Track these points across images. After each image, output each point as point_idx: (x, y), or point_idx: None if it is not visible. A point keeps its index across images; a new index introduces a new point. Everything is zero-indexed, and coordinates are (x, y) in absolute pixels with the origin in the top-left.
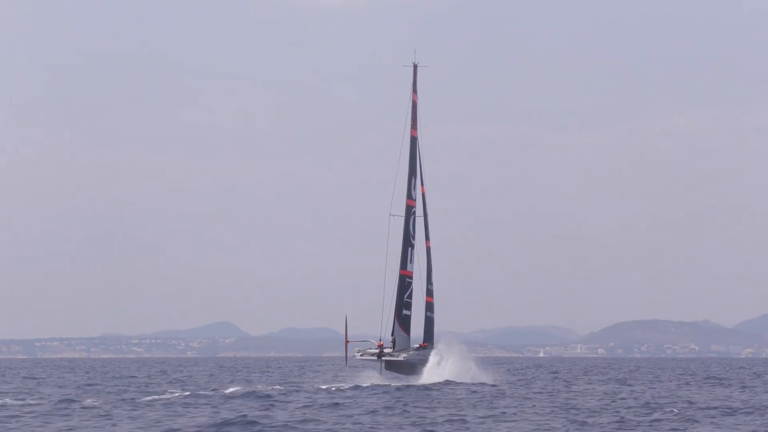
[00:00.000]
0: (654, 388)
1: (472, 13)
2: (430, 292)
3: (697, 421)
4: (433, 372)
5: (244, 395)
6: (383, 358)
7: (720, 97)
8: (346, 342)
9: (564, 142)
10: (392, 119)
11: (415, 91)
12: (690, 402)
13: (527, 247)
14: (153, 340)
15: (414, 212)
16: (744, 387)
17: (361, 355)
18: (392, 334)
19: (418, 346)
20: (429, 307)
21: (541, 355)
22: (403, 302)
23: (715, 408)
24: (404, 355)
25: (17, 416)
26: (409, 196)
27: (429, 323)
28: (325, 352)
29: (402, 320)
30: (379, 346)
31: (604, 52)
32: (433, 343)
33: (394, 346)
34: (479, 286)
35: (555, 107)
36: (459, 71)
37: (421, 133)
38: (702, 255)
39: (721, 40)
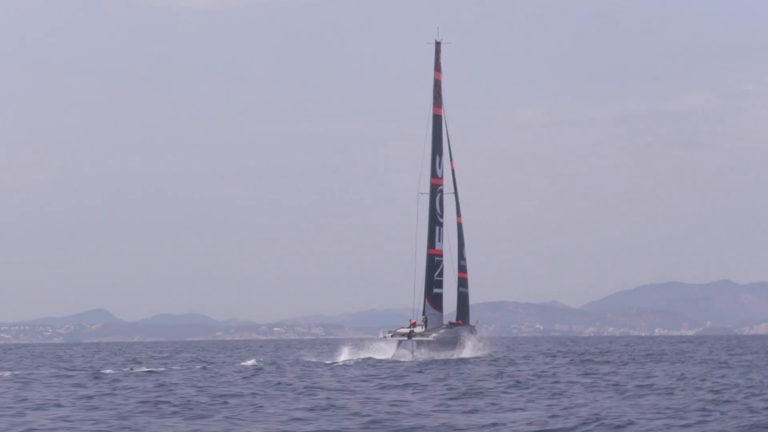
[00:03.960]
0: None
1: None
2: (462, 268)
3: None
4: (468, 350)
5: None
6: (413, 338)
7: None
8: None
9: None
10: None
11: (438, 69)
12: None
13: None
14: (22, 327)
15: (440, 190)
16: None
17: (391, 336)
18: (423, 314)
19: (448, 323)
20: (462, 283)
21: (382, 336)
22: (433, 281)
23: None
24: (434, 334)
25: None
26: (434, 174)
27: (462, 299)
28: (189, 337)
29: (433, 299)
30: (412, 324)
31: None
32: (468, 320)
33: (426, 326)
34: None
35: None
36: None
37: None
38: (553, 238)
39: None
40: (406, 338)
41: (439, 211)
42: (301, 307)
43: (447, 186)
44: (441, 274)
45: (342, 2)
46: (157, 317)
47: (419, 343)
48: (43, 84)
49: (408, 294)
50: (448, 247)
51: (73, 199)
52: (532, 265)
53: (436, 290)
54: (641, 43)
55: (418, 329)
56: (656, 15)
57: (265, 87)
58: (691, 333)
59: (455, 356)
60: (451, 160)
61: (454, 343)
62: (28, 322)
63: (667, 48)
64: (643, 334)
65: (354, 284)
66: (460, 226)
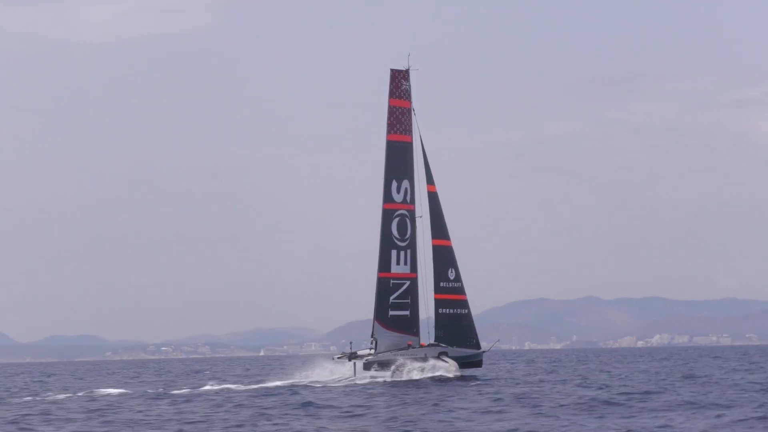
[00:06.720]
0: None
1: None
2: (441, 290)
3: None
4: (398, 371)
5: None
6: (353, 360)
7: None
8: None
9: None
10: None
11: (395, 96)
12: None
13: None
14: None
15: (401, 214)
16: None
17: (338, 358)
18: (372, 335)
19: (406, 346)
20: (441, 303)
21: (262, 354)
22: (388, 303)
23: None
24: (370, 356)
25: None
26: (388, 200)
27: (443, 321)
28: (80, 357)
29: (388, 321)
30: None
31: None
32: (465, 343)
33: (375, 348)
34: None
35: None
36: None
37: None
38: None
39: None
40: (347, 359)
41: (396, 235)
42: (189, 326)
43: (420, 210)
44: (404, 297)
45: (245, 27)
46: (51, 338)
47: (365, 364)
48: None
49: (293, 314)
50: (423, 270)
51: None
52: None
53: (393, 312)
54: (513, 75)
55: (362, 352)
56: (527, 47)
57: (163, 116)
58: (558, 347)
59: (388, 378)
60: (429, 183)
61: (390, 364)
62: None
63: (536, 79)
64: (514, 348)
65: (240, 304)
66: (437, 248)
